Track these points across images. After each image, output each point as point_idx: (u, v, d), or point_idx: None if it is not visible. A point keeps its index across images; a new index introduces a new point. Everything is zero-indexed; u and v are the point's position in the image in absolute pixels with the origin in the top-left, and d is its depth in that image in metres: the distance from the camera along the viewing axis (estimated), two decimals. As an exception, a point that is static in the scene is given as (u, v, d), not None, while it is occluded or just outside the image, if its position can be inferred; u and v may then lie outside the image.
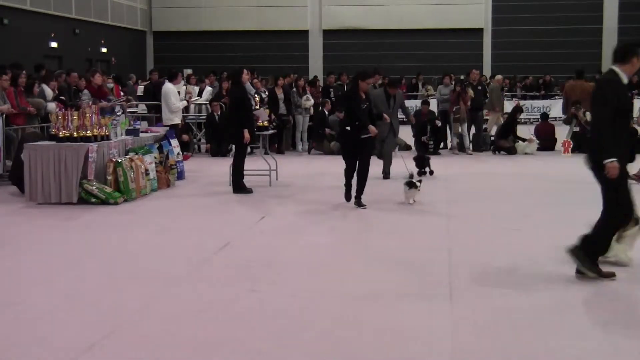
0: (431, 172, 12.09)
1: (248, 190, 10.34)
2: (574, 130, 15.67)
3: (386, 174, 11.83)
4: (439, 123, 15.88)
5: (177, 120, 13.27)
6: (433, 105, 18.62)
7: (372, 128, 9.18)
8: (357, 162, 9.28)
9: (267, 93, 15.80)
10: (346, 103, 9.57)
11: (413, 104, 23.67)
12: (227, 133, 10.83)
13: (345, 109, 9.59)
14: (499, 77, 18.60)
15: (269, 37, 31.20)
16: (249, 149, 13.98)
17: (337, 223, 8.40)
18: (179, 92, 14.05)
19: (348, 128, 9.22)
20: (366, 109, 9.40)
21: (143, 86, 16.75)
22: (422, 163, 12.23)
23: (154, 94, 15.71)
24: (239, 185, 10.38)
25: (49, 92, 13.13)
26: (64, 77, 14.54)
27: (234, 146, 12.09)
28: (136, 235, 7.80)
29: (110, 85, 15.88)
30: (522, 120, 17.07)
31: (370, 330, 4.76)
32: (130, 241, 7.50)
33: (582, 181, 11.32)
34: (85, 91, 12.54)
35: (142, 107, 16.18)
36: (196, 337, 4.63)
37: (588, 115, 15.82)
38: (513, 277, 6.01)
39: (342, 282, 5.91)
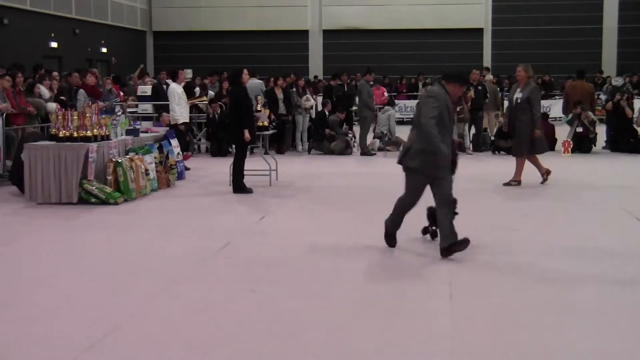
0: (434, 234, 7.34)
1: (248, 190, 10.34)
2: (577, 130, 15.65)
3: None
4: None
5: (183, 119, 13.30)
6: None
7: None
8: None
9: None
10: None
11: (413, 104, 23.74)
12: (227, 133, 10.83)
13: None
14: (489, 76, 18.40)
15: (269, 37, 31.19)
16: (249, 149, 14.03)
17: (337, 223, 8.39)
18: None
19: None
20: None
21: (151, 86, 16.67)
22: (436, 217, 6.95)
23: (157, 94, 15.70)
24: (239, 185, 10.38)
25: (44, 91, 13.12)
26: (65, 78, 14.56)
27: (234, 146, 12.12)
28: (136, 235, 7.80)
29: (109, 86, 15.84)
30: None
31: (370, 330, 4.76)
32: (130, 241, 7.50)
33: (581, 181, 11.38)
34: (81, 90, 12.54)
35: (143, 107, 16.10)
36: (196, 337, 4.63)
37: (591, 115, 15.86)
38: (513, 277, 6.01)
39: (342, 282, 5.91)
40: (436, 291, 5.58)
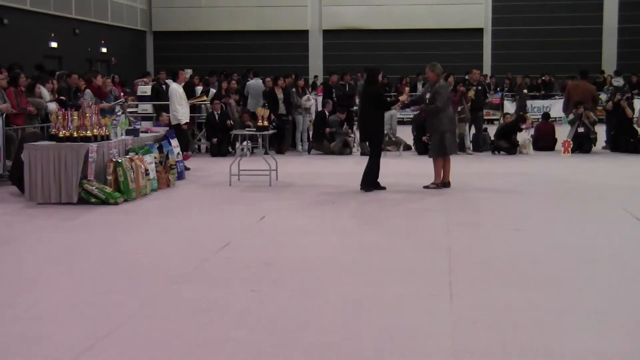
0: None
1: (382, 187, 10.36)
2: (579, 130, 15.63)
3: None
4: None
5: (185, 119, 13.33)
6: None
7: None
8: None
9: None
10: None
11: (413, 104, 23.70)
12: (363, 131, 10.94)
13: None
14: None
15: (269, 37, 31.20)
16: (249, 150, 14.03)
17: (338, 223, 8.39)
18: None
19: None
20: None
21: (151, 86, 16.64)
22: None
23: (156, 94, 15.70)
24: (372, 183, 10.36)
25: (45, 93, 13.13)
26: (65, 78, 14.54)
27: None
28: (136, 236, 7.80)
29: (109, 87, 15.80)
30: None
31: (371, 330, 4.76)
32: (130, 241, 7.49)
33: (581, 181, 11.38)
34: (88, 91, 12.56)
35: (142, 107, 16.09)
36: (196, 337, 4.63)
37: (592, 116, 15.85)
38: (513, 276, 6.01)
39: (342, 282, 5.91)
40: (436, 291, 5.58)
